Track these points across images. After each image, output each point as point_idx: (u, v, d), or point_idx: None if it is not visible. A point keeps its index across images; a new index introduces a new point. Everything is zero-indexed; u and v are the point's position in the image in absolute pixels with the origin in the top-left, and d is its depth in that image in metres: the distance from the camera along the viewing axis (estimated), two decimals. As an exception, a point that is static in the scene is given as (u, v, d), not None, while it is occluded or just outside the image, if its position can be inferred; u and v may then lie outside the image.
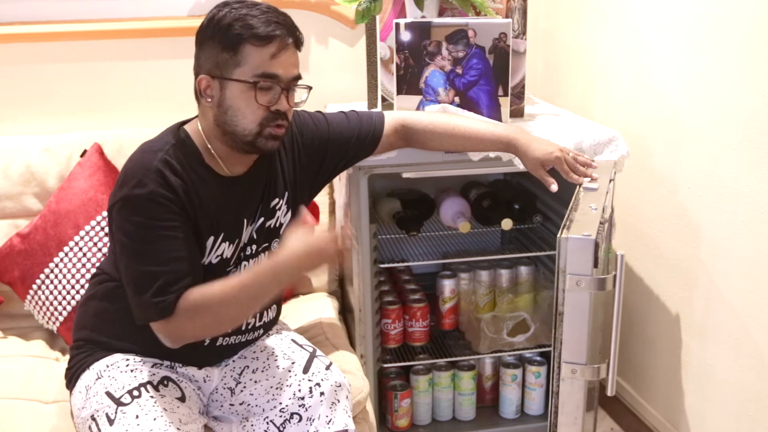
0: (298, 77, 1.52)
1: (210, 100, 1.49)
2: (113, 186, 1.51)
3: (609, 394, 1.46)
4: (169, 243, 1.44)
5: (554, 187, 1.71)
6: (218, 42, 1.46)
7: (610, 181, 1.70)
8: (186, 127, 1.57)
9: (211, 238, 1.54)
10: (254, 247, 1.63)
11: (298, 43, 1.51)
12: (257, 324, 1.69)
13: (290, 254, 1.44)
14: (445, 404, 2.27)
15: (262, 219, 1.63)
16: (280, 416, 1.58)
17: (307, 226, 1.47)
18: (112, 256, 1.59)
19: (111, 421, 1.46)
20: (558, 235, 1.33)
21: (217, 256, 1.56)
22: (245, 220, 1.60)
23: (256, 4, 1.49)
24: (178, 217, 1.46)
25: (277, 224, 1.66)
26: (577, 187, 1.65)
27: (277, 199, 1.65)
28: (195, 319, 1.44)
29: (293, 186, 1.68)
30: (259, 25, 1.44)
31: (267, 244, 1.66)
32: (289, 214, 1.68)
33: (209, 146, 1.54)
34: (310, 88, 1.56)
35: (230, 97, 1.47)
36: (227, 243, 1.57)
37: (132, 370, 1.56)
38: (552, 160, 1.70)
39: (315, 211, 2.20)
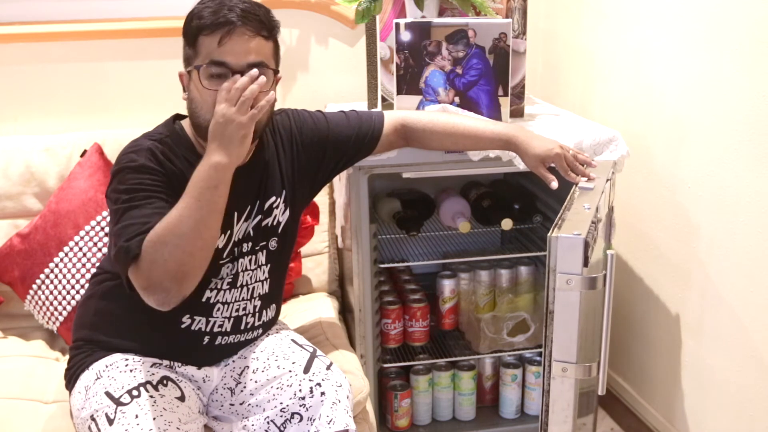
0: (257, 64, 1.48)
1: (186, 94, 1.54)
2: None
3: (599, 393, 1.47)
4: (154, 203, 1.46)
5: (555, 184, 1.71)
6: (184, 38, 1.52)
7: (607, 180, 1.70)
8: (182, 121, 1.61)
9: None
10: (250, 244, 1.63)
11: (261, 30, 1.48)
12: (256, 323, 1.69)
13: (209, 143, 1.42)
14: (445, 404, 2.27)
15: (259, 217, 1.63)
16: (281, 416, 1.58)
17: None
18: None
19: (111, 421, 1.46)
20: (548, 234, 1.34)
21: None
22: (236, 213, 1.60)
23: None
24: (167, 188, 1.49)
25: (275, 222, 1.66)
26: (574, 186, 1.65)
27: (274, 198, 1.65)
28: (160, 251, 1.38)
29: (292, 185, 1.69)
30: (209, 15, 1.47)
31: (264, 242, 1.66)
32: (288, 212, 1.69)
33: (200, 140, 1.56)
34: (275, 71, 1.54)
35: (192, 88, 1.51)
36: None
37: (131, 370, 1.56)
38: (552, 156, 1.70)
39: (315, 211, 2.20)
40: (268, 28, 1.51)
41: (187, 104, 1.55)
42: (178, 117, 1.64)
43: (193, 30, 1.49)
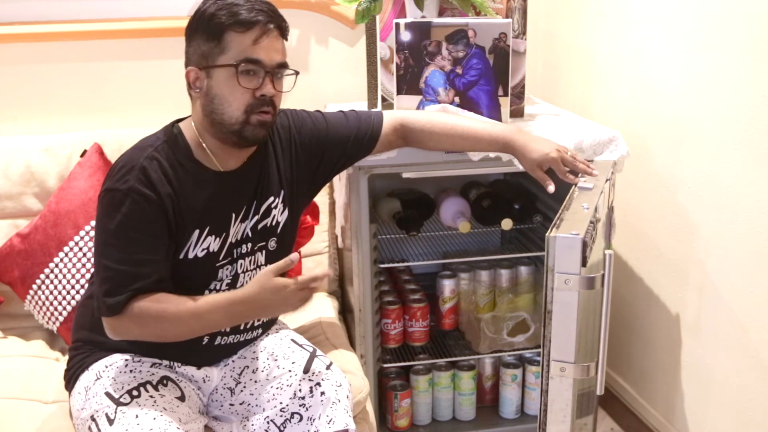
0: (283, 65, 1.54)
1: (198, 90, 1.53)
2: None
3: (597, 392, 1.47)
4: (136, 245, 1.46)
5: (551, 187, 1.71)
6: (203, 33, 1.50)
7: (607, 180, 1.70)
8: (180, 124, 1.60)
9: (197, 232, 1.55)
10: (249, 245, 1.63)
11: (282, 31, 1.53)
12: (256, 323, 1.69)
13: (250, 298, 1.44)
14: (445, 404, 2.27)
15: (256, 218, 1.63)
16: (281, 416, 1.58)
17: (280, 271, 1.44)
18: None
19: (111, 421, 1.46)
20: (546, 234, 1.34)
21: (203, 249, 1.56)
22: (233, 215, 1.60)
23: None
24: (153, 219, 1.48)
25: (274, 223, 1.66)
26: (573, 186, 1.65)
27: (272, 198, 1.65)
28: (142, 327, 1.47)
29: (290, 184, 1.68)
30: (241, 11, 1.47)
31: (263, 243, 1.66)
32: (287, 212, 1.68)
33: (201, 141, 1.56)
34: (296, 72, 1.58)
35: (216, 84, 1.50)
36: (213, 236, 1.57)
37: (131, 370, 1.56)
38: (548, 160, 1.70)
39: (315, 211, 2.20)
40: (286, 30, 1.55)
41: (202, 101, 1.53)
42: (177, 122, 1.62)
43: (220, 25, 1.47)
